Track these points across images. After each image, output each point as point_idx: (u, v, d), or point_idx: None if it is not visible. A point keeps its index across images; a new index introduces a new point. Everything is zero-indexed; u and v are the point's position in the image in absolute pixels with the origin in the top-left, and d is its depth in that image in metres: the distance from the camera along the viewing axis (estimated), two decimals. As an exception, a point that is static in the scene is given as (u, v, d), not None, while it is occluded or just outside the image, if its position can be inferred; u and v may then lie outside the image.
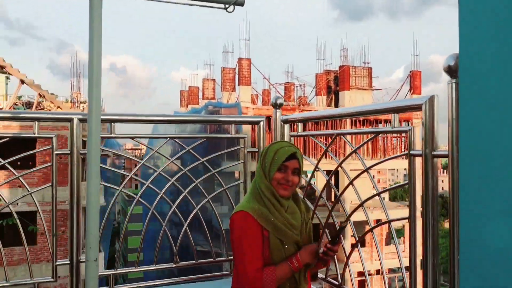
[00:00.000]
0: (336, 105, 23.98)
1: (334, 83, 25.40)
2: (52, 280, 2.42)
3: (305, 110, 22.54)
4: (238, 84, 23.80)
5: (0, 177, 15.55)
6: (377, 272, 22.74)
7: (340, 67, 25.09)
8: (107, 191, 18.46)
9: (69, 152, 2.36)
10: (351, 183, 2.18)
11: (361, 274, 23.03)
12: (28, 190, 2.44)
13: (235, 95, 25.04)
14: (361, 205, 2.14)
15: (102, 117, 2.56)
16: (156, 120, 2.59)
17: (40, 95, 19.85)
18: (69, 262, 2.40)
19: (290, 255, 1.84)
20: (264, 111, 21.52)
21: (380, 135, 24.08)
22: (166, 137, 2.61)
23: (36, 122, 2.32)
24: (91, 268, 1.94)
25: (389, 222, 1.98)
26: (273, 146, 1.90)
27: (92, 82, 1.91)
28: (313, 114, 2.57)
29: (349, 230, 22.33)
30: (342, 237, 1.88)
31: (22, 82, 19.81)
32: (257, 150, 2.82)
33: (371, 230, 2.13)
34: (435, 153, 1.67)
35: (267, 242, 1.84)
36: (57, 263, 2.43)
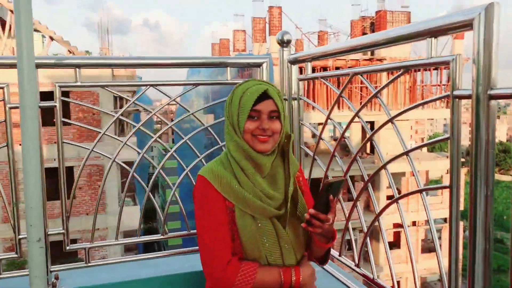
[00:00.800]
0: (372, 54, 22.67)
1: (370, 30, 23.93)
2: (16, 256, 2.06)
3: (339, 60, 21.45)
4: (269, 35, 22.88)
5: None
6: (413, 223, 22.18)
7: (376, 12, 23.53)
8: (142, 145, 18.43)
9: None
10: (375, 133, 1.63)
11: (397, 226, 22.62)
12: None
13: (266, 46, 24.16)
14: (385, 165, 1.60)
15: (66, 61, 2.12)
16: (128, 64, 2.09)
17: (70, 51, 19.73)
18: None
19: (273, 245, 1.37)
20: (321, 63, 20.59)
21: (418, 84, 22.79)
22: (146, 85, 2.13)
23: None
24: (34, 250, 1.55)
25: (421, 191, 1.44)
26: (237, 90, 1.43)
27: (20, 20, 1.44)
28: (326, 49, 1.99)
29: (384, 181, 21.71)
30: (338, 199, 1.36)
31: (52, 39, 19.72)
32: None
33: (399, 198, 1.59)
34: (492, 92, 1.12)
35: (233, 216, 1.37)
36: (20, 236, 2.06)
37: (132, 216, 15.94)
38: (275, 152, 1.44)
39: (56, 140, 2.08)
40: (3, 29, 18.24)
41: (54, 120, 2.02)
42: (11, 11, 18.48)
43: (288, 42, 2.25)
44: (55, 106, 2.02)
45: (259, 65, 2.26)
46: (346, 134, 1.89)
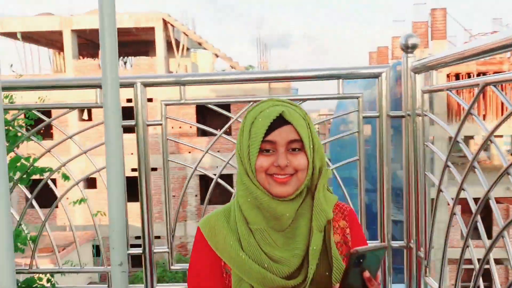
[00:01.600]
0: None
1: (560, 26, 20.27)
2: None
3: (518, 62, 18.63)
4: (431, 39, 21.17)
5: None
6: None
7: None
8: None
9: (134, 123, 1.99)
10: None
11: None
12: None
13: (428, 52, 22.44)
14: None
15: (171, 79, 2.12)
16: (229, 79, 1.97)
17: (232, 67, 21.29)
18: (141, 251, 2.07)
19: None
20: (463, 67, 18.59)
21: None
22: (249, 101, 2.00)
23: (98, 90, 2.00)
24: (115, 274, 1.52)
25: None
26: (249, 114, 1.09)
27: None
28: (461, 50, 1.58)
29: None
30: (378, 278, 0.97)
31: (216, 56, 21.55)
32: (377, 114, 1.96)
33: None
34: None
35: (230, 280, 1.07)
36: (129, 251, 2.11)
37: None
38: (303, 196, 1.08)
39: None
40: (178, 49, 20.55)
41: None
42: (185, 33, 20.77)
43: (414, 47, 1.88)
44: (161, 124, 2.03)
45: (376, 75, 1.93)
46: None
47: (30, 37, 21.28)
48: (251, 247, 1.04)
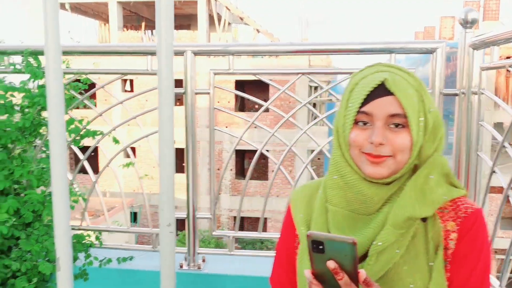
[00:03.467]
0: None
1: None
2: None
3: None
4: (483, 20, 20.17)
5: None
6: None
7: None
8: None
9: (183, 91, 2.02)
10: None
11: None
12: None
13: (478, 33, 21.36)
14: None
15: (220, 48, 2.12)
16: (274, 50, 1.95)
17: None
18: (185, 216, 2.13)
19: None
20: None
21: None
22: (299, 73, 1.98)
23: (149, 57, 2.04)
24: (163, 234, 1.58)
25: None
26: (353, 79, 0.95)
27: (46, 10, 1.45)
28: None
29: None
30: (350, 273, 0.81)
31: (258, 31, 21.38)
32: (429, 91, 1.91)
33: None
34: None
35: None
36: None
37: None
38: (402, 181, 0.92)
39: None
40: (219, 23, 20.51)
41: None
42: (227, 8, 20.68)
43: (473, 22, 1.80)
44: (209, 93, 2.05)
45: (431, 51, 1.87)
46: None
47: (78, 8, 21.78)
48: (317, 225, 0.97)
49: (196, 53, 1.99)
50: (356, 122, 0.91)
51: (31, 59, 2.10)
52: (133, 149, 17.90)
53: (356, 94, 0.90)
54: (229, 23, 21.92)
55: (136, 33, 21.69)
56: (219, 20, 20.54)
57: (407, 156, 0.90)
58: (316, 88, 19.54)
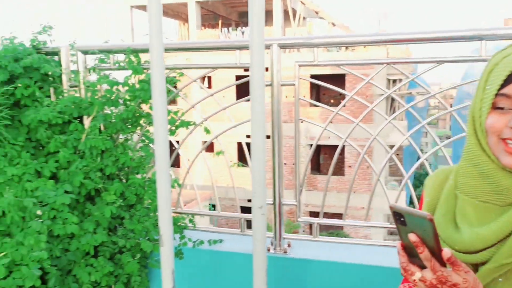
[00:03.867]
0: None
1: None
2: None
3: None
4: None
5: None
6: None
7: None
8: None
9: (269, 83, 2.12)
10: None
11: None
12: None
13: None
14: None
15: (306, 41, 2.19)
16: (358, 41, 1.96)
17: (349, 36, 20.74)
18: (272, 202, 2.24)
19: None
20: None
21: None
22: (383, 63, 2.00)
23: (238, 51, 2.16)
24: (256, 216, 1.69)
25: None
26: (491, 59, 0.88)
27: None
28: None
29: None
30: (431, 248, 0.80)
31: (333, 24, 21.09)
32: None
33: None
34: None
35: None
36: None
37: (397, 200, 15.83)
38: None
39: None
40: (294, 18, 20.52)
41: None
42: (302, 2, 20.63)
43: None
44: (294, 84, 2.13)
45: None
46: None
47: (159, 9, 22.92)
48: (441, 211, 0.96)
49: (282, 47, 2.08)
50: (494, 107, 0.84)
51: (132, 57, 2.33)
52: (211, 145, 18.54)
53: (495, 75, 0.84)
54: (303, 18, 21.86)
55: (213, 31, 22.36)
56: (294, 15, 20.55)
57: None
58: (394, 81, 18.90)
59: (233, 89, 18.03)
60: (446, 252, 0.77)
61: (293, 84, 2.12)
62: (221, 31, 23.01)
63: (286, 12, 20.56)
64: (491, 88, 0.84)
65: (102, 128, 2.31)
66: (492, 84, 0.84)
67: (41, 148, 2.38)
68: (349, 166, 19.88)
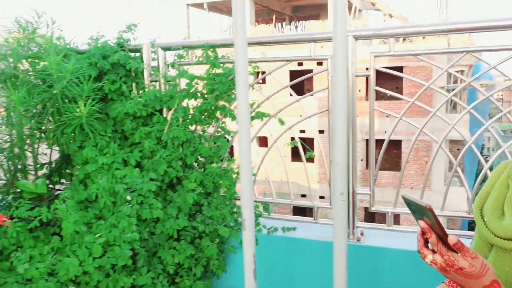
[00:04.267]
0: None
1: None
2: (329, 207, 2.38)
3: None
4: None
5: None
6: None
7: None
8: (475, 124, 17.06)
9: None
10: None
11: None
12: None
13: None
14: None
15: (382, 32, 2.20)
16: (437, 30, 1.94)
17: (406, 27, 20.09)
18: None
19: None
20: None
21: None
22: (461, 51, 1.97)
23: (313, 44, 2.21)
24: (337, 202, 1.74)
25: None
26: None
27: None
28: None
29: None
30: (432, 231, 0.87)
31: (390, 16, 20.53)
32: None
33: None
34: None
35: None
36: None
37: (458, 197, 15.25)
38: None
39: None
40: (350, 11, 20.17)
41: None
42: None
43: None
44: (369, 75, 2.16)
45: None
46: None
47: (214, 7, 23.31)
48: (492, 198, 1.00)
49: (356, 38, 2.11)
50: None
51: (209, 52, 2.44)
52: (265, 139, 18.70)
53: None
54: (359, 10, 21.43)
55: (267, 26, 22.45)
56: (350, 7, 20.20)
57: None
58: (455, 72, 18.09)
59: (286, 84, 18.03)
60: (451, 238, 0.83)
61: (368, 75, 2.14)
62: (275, 26, 23.05)
63: (341, 5, 20.23)
64: None
65: (180, 120, 2.45)
66: None
67: (125, 139, 2.55)
68: (407, 161, 19.34)
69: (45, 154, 2.75)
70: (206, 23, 23.62)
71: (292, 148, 2.59)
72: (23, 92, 2.18)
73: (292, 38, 2.12)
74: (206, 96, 2.44)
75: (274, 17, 24.12)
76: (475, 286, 0.84)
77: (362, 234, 2.30)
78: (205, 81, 2.43)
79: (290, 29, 23.58)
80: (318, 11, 23.93)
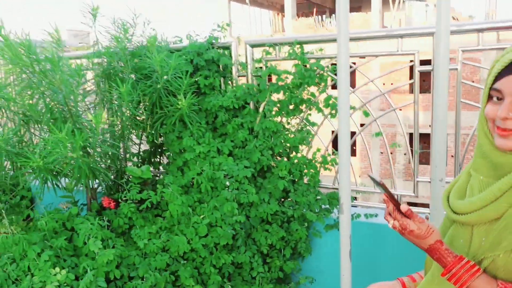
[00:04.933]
0: None
1: None
2: (413, 195, 2.50)
3: None
4: None
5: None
6: None
7: None
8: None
9: (431, 69, 2.26)
10: None
11: None
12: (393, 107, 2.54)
13: None
14: None
15: (467, 27, 2.29)
16: None
17: (454, 18, 19.57)
18: (429, 180, 2.39)
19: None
20: None
21: None
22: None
23: (400, 39, 2.33)
24: (436, 188, 1.87)
25: None
26: (498, 55, 1.03)
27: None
28: None
29: None
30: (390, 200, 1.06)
31: (435, 6, 20.04)
32: None
33: None
34: None
35: None
36: (417, 179, 2.47)
37: None
38: None
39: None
40: (393, 2, 19.86)
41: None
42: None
43: None
44: (457, 69, 2.25)
45: None
46: None
47: (255, 1, 23.48)
48: (458, 186, 1.12)
49: (452, 33, 2.21)
50: (491, 98, 1.00)
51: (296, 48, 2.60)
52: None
53: (493, 71, 0.99)
54: (403, 1, 21.05)
55: (308, 19, 22.41)
56: (393, -1, 19.89)
57: None
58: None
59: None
60: (403, 207, 1.03)
61: (456, 69, 2.24)
62: (315, 20, 22.97)
63: (384, -3, 19.98)
64: (487, 82, 1.00)
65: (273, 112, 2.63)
66: (488, 79, 1.00)
67: (214, 130, 2.76)
68: (452, 156, 18.92)
69: (136, 144, 3.01)
70: (246, 17, 23.81)
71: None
72: (129, 86, 2.41)
73: (392, 34, 2.23)
74: (293, 90, 2.60)
75: (314, 10, 24.04)
76: (423, 244, 1.04)
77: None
78: (291, 76, 2.60)
79: (330, 22, 23.43)
80: (359, 3, 23.65)
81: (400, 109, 2.35)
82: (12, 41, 2.13)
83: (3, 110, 2.40)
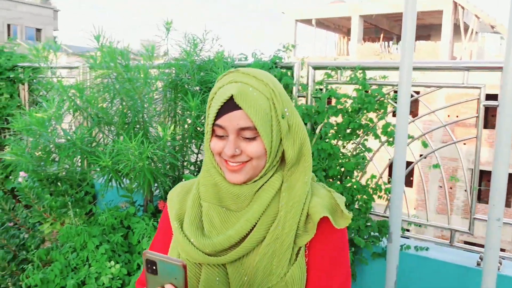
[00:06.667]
0: None
1: None
2: (468, 232, 2.42)
3: None
4: None
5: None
6: None
7: None
8: None
9: (497, 104, 2.21)
10: None
11: None
12: (454, 139, 2.49)
13: None
14: None
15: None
16: None
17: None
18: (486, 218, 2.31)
19: None
20: None
21: None
22: None
23: (466, 72, 2.29)
24: (491, 227, 1.81)
25: None
26: (215, 86, 0.98)
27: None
28: None
29: None
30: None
31: None
32: None
33: None
34: None
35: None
36: (474, 217, 2.39)
37: None
38: (268, 177, 0.97)
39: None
40: (465, 33, 19.24)
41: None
42: (476, 16, 19.24)
43: None
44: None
45: None
46: None
47: (322, 23, 23.63)
48: (190, 219, 1.00)
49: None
50: (215, 133, 0.95)
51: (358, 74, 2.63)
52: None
53: (213, 105, 0.94)
54: (476, 32, 20.34)
55: (373, 44, 22.19)
56: (465, 29, 19.26)
57: (263, 161, 0.95)
58: None
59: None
60: None
61: (524, 106, 2.17)
62: (381, 46, 22.70)
63: (456, 26, 19.39)
64: (209, 118, 0.94)
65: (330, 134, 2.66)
66: (210, 115, 0.94)
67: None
68: (516, 197, 17.80)
69: (194, 153, 3.14)
70: (311, 38, 24.02)
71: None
72: (198, 100, 2.54)
73: (458, 66, 2.21)
74: (352, 114, 2.62)
75: (381, 35, 23.79)
76: None
77: (500, 263, 2.31)
78: (350, 100, 2.62)
79: (397, 48, 23.05)
80: (428, 32, 23.11)
81: (464, 143, 2.30)
82: (115, 49, 2.33)
83: (82, 111, 2.61)
